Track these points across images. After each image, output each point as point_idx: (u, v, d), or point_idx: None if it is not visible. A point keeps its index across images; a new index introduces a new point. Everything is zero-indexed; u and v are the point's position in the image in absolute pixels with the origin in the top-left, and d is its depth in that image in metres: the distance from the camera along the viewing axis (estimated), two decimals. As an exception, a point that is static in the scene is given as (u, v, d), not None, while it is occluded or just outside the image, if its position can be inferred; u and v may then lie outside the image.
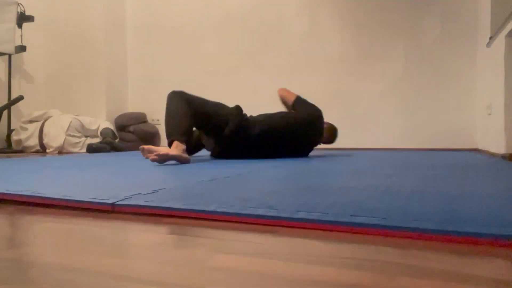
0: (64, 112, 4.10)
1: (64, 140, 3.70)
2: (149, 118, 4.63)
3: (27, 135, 3.87)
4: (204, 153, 2.82)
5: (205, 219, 0.74)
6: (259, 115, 2.42)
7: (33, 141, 3.83)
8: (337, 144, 4.07)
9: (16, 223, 0.77)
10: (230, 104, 2.36)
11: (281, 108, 2.69)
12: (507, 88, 2.49)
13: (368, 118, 3.89)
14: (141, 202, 0.83)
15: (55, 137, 3.72)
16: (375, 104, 3.87)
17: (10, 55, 3.93)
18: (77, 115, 3.98)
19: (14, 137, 3.93)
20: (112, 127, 4.12)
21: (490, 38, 2.85)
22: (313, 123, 2.46)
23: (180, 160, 1.89)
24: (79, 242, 0.61)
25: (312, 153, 3.12)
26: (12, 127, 3.98)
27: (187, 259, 0.52)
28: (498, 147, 2.60)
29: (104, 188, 1.07)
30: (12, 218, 0.81)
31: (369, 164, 1.91)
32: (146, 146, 2.15)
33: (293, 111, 2.55)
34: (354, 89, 3.94)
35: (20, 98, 3.79)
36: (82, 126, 3.86)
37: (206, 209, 0.76)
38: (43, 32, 4.50)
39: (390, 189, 1.03)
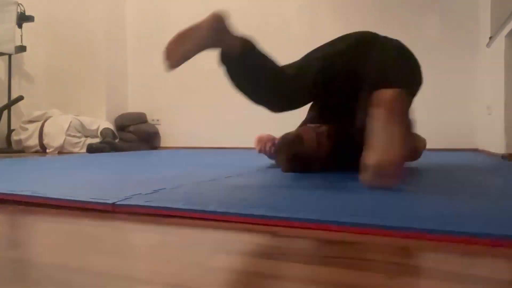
0: (64, 112, 4.09)
1: (64, 140, 3.70)
2: (149, 118, 4.62)
3: (27, 135, 3.87)
4: (205, 152, 2.80)
5: (205, 219, 0.74)
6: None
7: (33, 141, 3.83)
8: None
9: (16, 223, 0.77)
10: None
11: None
12: (507, 88, 2.49)
13: (368, 118, 3.89)
14: (141, 202, 0.83)
15: (55, 137, 3.72)
16: (375, 104, 3.87)
17: (10, 55, 3.93)
18: (77, 115, 3.98)
19: (14, 137, 3.93)
20: (112, 127, 4.12)
21: (490, 38, 2.85)
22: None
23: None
24: (79, 242, 0.61)
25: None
26: (12, 127, 3.98)
27: (187, 259, 0.52)
28: (498, 147, 2.60)
29: (104, 188, 1.07)
30: (12, 218, 0.81)
31: (369, 164, 1.91)
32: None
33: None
34: (354, 89, 3.94)
35: (20, 98, 3.79)
36: (82, 126, 3.86)
37: (206, 209, 0.76)
38: (43, 32, 4.49)
39: (390, 189, 1.03)
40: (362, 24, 3.89)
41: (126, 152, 3.58)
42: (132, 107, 4.76)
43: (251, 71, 1.36)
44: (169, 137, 4.51)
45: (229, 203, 0.82)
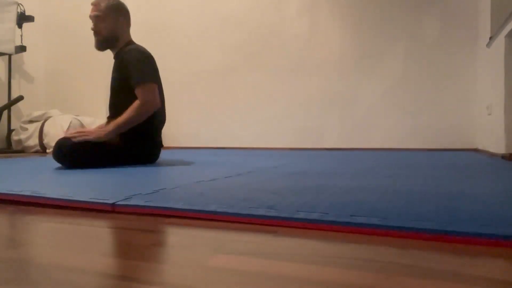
0: (64, 112, 4.09)
1: (64, 140, 3.69)
2: (149, 118, 4.63)
3: (27, 135, 3.87)
4: (205, 152, 2.80)
5: (205, 219, 0.74)
6: None
7: (33, 141, 3.83)
8: (337, 144, 4.08)
9: (16, 223, 0.77)
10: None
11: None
12: (507, 88, 2.49)
13: (368, 118, 3.89)
14: (141, 202, 0.83)
15: (55, 137, 3.71)
16: (375, 105, 3.87)
17: (10, 55, 3.93)
18: (77, 115, 3.98)
19: (14, 137, 3.93)
20: (112, 127, 4.11)
21: (490, 38, 2.85)
22: None
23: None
24: (79, 242, 0.61)
25: (310, 153, 3.12)
26: (12, 127, 3.98)
27: (187, 259, 0.52)
28: (498, 147, 2.60)
29: (104, 188, 1.07)
30: (12, 218, 0.81)
31: (369, 165, 1.91)
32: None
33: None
34: (354, 89, 3.94)
35: (20, 98, 3.79)
36: (82, 126, 3.86)
37: (206, 209, 0.76)
38: (43, 32, 4.50)
39: (390, 189, 1.03)
40: (362, 26, 3.90)
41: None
42: (132, 107, 4.76)
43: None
44: (169, 137, 4.51)
45: (229, 203, 0.82)
